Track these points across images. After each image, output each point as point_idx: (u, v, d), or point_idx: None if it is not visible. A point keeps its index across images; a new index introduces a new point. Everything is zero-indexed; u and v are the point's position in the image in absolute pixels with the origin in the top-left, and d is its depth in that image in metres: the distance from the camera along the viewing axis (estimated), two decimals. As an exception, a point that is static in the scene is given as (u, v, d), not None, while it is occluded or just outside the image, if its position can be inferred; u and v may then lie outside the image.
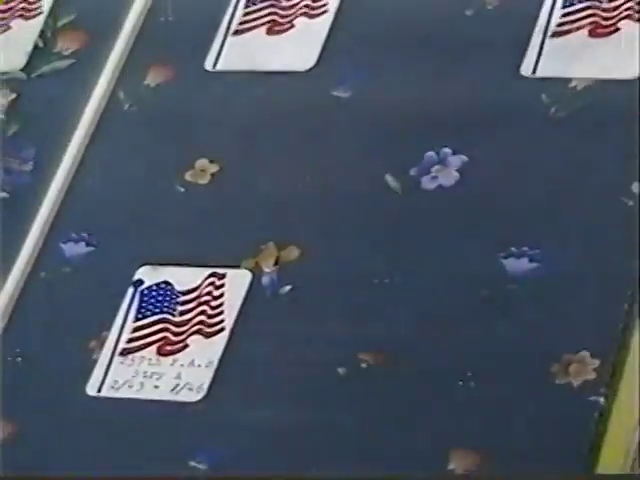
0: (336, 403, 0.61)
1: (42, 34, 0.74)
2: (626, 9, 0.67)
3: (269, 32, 0.71)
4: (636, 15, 0.67)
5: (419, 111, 0.68)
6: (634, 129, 0.64)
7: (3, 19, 0.75)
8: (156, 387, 0.64)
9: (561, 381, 0.59)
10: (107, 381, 0.65)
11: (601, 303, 0.61)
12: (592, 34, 0.67)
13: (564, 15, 0.68)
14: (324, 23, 0.71)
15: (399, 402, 0.61)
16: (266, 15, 0.72)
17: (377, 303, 0.64)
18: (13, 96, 0.73)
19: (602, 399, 0.58)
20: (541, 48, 0.67)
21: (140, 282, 0.66)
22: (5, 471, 0.64)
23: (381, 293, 0.64)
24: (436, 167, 0.65)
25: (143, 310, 0.66)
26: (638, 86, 0.66)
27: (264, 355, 0.64)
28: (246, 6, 0.72)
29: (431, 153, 0.65)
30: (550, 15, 0.68)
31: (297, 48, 0.71)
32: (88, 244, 0.68)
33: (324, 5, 0.71)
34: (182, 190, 0.68)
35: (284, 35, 0.71)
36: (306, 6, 0.71)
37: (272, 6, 0.72)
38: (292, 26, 0.71)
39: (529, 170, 0.65)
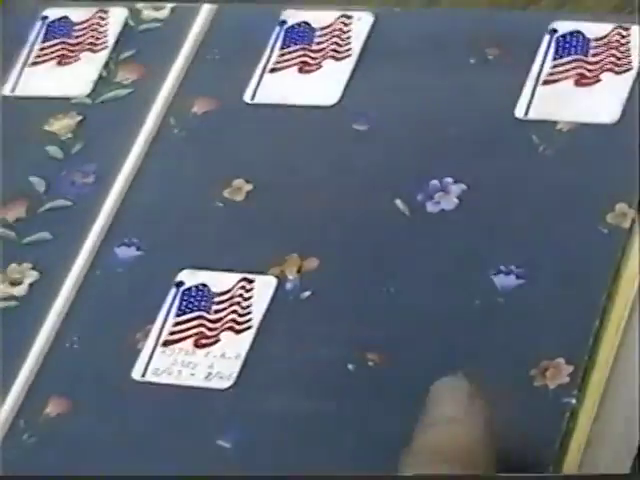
0: (345, 395, 0.62)
1: (106, 65, 0.75)
2: (607, 63, 0.67)
3: (300, 71, 0.71)
4: (616, 68, 0.67)
5: (425, 145, 0.68)
6: (614, 165, 0.65)
7: (74, 51, 0.75)
8: (192, 375, 0.64)
9: (539, 384, 0.59)
10: (150, 368, 0.65)
11: (576, 317, 0.61)
12: (577, 84, 0.67)
13: (554, 66, 0.68)
14: (348, 65, 0.71)
15: (398, 396, 0.61)
16: (298, 57, 0.72)
17: (383, 309, 0.64)
18: (79, 118, 0.74)
19: (574, 400, 0.59)
20: (533, 94, 0.67)
21: (181, 283, 0.66)
22: (58, 441, 0.65)
23: (387, 300, 0.64)
24: (439, 194, 0.65)
25: (183, 308, 0.66)
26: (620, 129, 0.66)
27: (285, 351, 0.64)
28: (282, 48, 0.72)
29: (435, 181, 0.66)
30: (542, 66, 0.68)
31: (324, 86, 0.71)
32: (138, 248, 0.68)
33: (348, 50, 0.71)
34: (221, 205, 0.68)
35: (313, 74, 0.71)
36: (333, 50, 0.71)
37: (304, 49, 0.72)
38: (320, 67, 0.71)
39: (519, 199, 0.65)
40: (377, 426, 0.61)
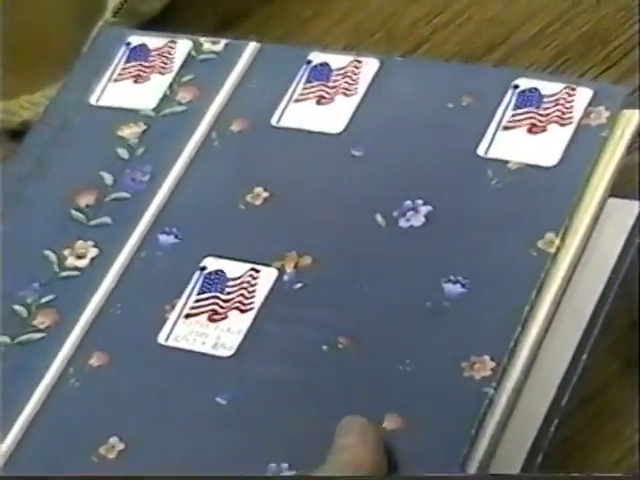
0: (319, 369, 0.62)
1: (170, 86, 0.74)
2: (554, 116, 0.67)
3: (317, 103, 0.71)
4: (560, 121, 0.66)
5: (404, 172, 0.68)
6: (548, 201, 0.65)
7: (147, 72, 0.75)
8: (203, 343, 0.64)
9: (467, 374, 0.59)
10: (172, 335, 0.65)
11: (503, 323, 0.61)
12: (529, 131, 0.66)
13: (513, 115, 0.67)
14: (354, 101, 0.70)
15: (360, 372, 0.61)
16: (317, 91, 0.71)
17: (357, 303, 0.64)
18: (144, 127, 0.73)
19: (492, 390, 0.59)
20: (493, 137, 0.67)
21: (204, 268, 0.66)
22: (97, 387, 0.65)
23: (360, 296, 0.64)
24: (410, 212, 0.65)
25: (203, 288, 0.66)
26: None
27: (277, 330, 0.64)
28: (305, 82, 0.72)
29: (408, 202, 0.65)
30: (504, 114, 0.67)
31: (334, 117, 0.70)
32: (176, 237, 0.68)
33: (356, 89, 0.71)
34: (243, 207, 0.68)
35: (327, 106, 0.70)
36: (344, 88, 0.71)
37: (322, 85, 0.71)
38: (333, 100, 0.70)
39: (472, 222, 0.65)
40: (340, 395, 0.61)
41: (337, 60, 0.72)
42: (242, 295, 0.65)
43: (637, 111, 0.67)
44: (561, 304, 0.64)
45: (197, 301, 0.66)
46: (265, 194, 0.68)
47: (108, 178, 0.72)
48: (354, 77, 0.71)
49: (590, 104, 0.66)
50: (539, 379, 0.63)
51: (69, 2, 0.86)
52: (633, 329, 0.66)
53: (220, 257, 0.67)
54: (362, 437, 0.58)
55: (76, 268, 0.69)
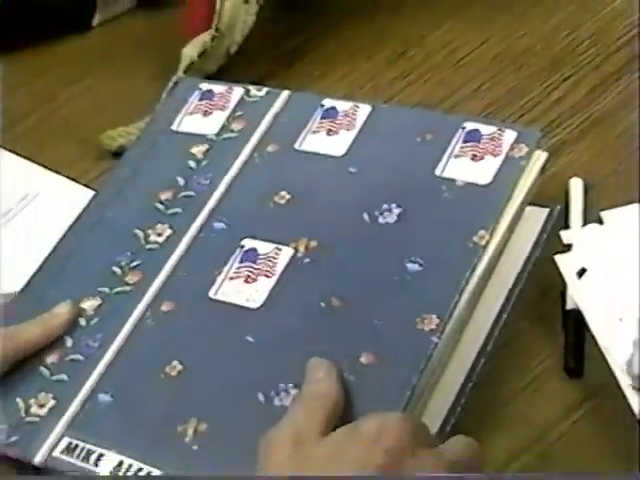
0: (318, 321, 0.63)
1: (227, 119, 0.74)
2: (489, 149, 0.67)
3: (327, 134, 0.70)
4: (493, 153, 0.66)
5: (384, 184, 0.68)
6: (482, 207, 0.65)
7: (212, 109, 0.75)
8: (239, 297, 0.64)
9: (419, 327, 0.60)
10: (219, 291, 0.65)
11: (447, 292, 0.62)
12: (472, 159, 0.66)
13: (460, 147, 0.67)
14: (352, 134, 0.70)
15: (346, 325, 0.63)
16: (327, 126, 0.71)
17: (346, 274, 0.64)
18: (208, 147, 0.73)
19: (437, 339, 0.59)
20: (447, 162, 0.66)
21: (243, 246, 0.66)
22: (166, 328, 0.65)
23: (349, 270, 0.64)
24: (386, 212, 0.65)
25: (242, 260, 0.66)
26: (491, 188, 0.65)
27: (290, 290, 0.64)
28: (320, 120, 0.71)
29: (386, 205, 0.65)
30: (454, 146, 0.67)
31: (338, 145, 0.70)
32: (226, 224, 0.68)
33: (354, 125, 0.71)
34: (271, 205, 0.68)
35: (334, 137, 0.70)
36: (347, 124, 0.71)
37: (331, 122, 0.71)
38: (338, 133, 0.70)
39: (429, 221, 0.65)
40: (332, 337, 0.62)
41: (342, 105, 0.72)
42: (268, 266, 0.65)
43: (544, 153, 0.67)
44: (489, 280, 0.65)
45: (237, 269, 0.66)
46: (288, 196, 0.69)
47: (181, 181, 0.72)
48: (353, 117, 0.71)
49: (514, 142, 0.67)
50: (472, 331, 0.64)
51: (152, 66, 0.87)
52: (542, 296, 0.67)
53: (254, 239, 0.67)
54: (328, 373, 0.58)
55: (156, 242, 0.69)
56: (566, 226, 0.68)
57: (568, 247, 0.66)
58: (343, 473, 0.49)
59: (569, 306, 0.65)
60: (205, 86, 0.77)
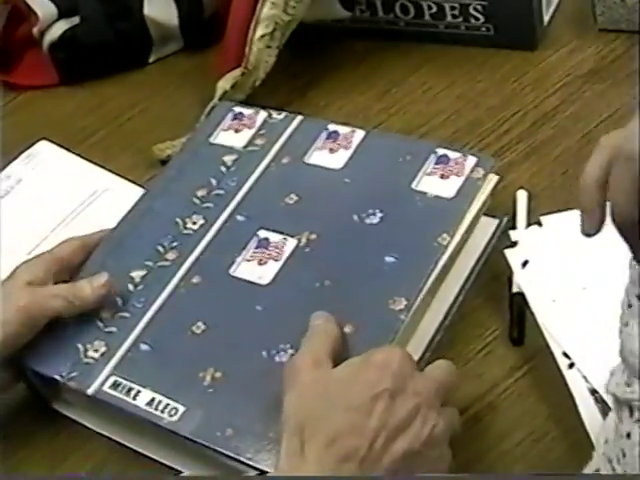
0: (313, 296, 0.60)
1: (253, 136, 0.71)
2: (453, 174, 0.64)
3: (329, 152, 0.68)
4: (457, 173, 0.63)
5: (371, 192, 0.65)
6: (445, 215, 0.62)
7: (242, 128, 0.72)
8: (252, 275, 0.62)
9: (390, 307, 0.57)
10: (237, 270, 0.63)
11: (414, 280, 0.59)
12: (441, 177, 0.63)
13: (432, 168, 0.64)
14: (349, 153, 0.67)
15: (335, 301, 0.59)
16: (330, 145, 0.68)
17: (337, 262, 0.62)
18: (236, 156, 0.71)
19: (404, 316, 0.57)
20: (421, 179, 0.64)
21: (258, 236, 0.64)
22: (195, 299, 0.63)
23: (341, 258, 0.62)
24: (372, 215, 0.62)
25: (256, 246, 0.63)
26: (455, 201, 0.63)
27: (293, 272, 0.61)
28: (324, 140, 0.69)
29: (371, 210, 0.63)
30: (427, 166, 0.64)
31: (337, 160, 0.67)
32: (245, 217, 0.66)
33: (351, 145, 0.68)
34: (282, 205, 0.66)
35: (334, 154, 0.68)
36: (345, 145, 0.68)
37: (333, 142, 0.68)
38: (338, 151, 0.68)
39: (404, 223, 0.63)
40: (330, 302, 0.59)
41: (342, 129, 0.70)
42: (277, 252, 0.63)
43: (496, 176, 0.65)
44: (449, 272, 0.63)
45: (253, 253, 0.64)
46: (296, 198, 0.66)
47: (214, 182, 0.69)
48: (350, 139, 0.69)
49: (474, 166, 0.64)
50: (434, 310, 0.62)
51: (194, 95, 0.84)
52: (494, 281, 0.65)
53: (267, 230, 0.65)
54: (328, 319, 0.57)
55: (191, 229, 0.67)
56: (513, 227, 0.67)
57: (515, 243, 0.65)
58: (358, 394, 0.49)
59: (514, 289, 0.63)
60: (237, 109, 0.75)
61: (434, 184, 0.64)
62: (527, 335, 0.61)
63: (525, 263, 0.63)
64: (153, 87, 0.89)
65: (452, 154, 0.65)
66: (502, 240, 0.66)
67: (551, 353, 0.58)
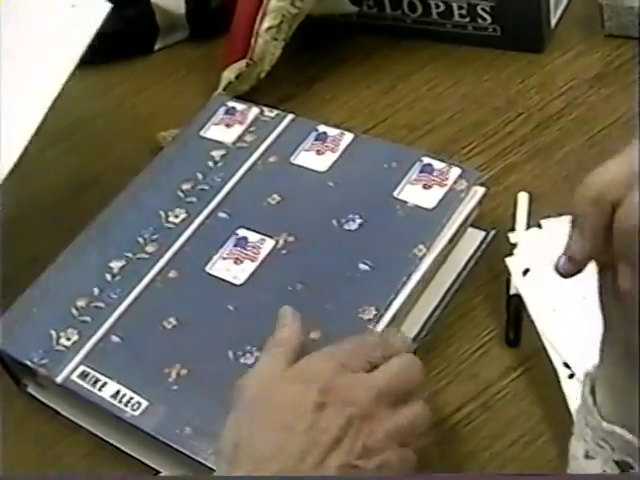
0: (286, 299, 0.59)
1: (242, 132, 0.71)
2: (436, 180, 0.63)
3: (317, 154, 0.68)
4: (440, 183, 0.63)
5: (351, 196, 0.65)
6: (424, 227, 0.61)
7: (233, 122, 0.72)
8: (228, 274, 0.62)
9: (360, 316, 0.57)
10: (213, 267, 0.63)
11: (386, 290, 0.59)
12: (423, 187, 0.63)
13: (416, 177, 0.64)
14: (335, 156, 0.67)
15: (307, 306, 0.58)
16: (317, 147, 0.68)
17: (313, 265, 0.62)
18: (225, 152, 0.71)
19: (371, 326, 0.57)
20: (404, 187, 0.63)
21: (237, 234, 0.64)
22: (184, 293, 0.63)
23: (316, 262, 0.62)
24: (350, 221, 0.62)
25: (235, 244, 0.64)
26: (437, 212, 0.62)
27: (268, 273, 0.61)
28: (313, 141, 0.68)
29: (351, 215, 0.62)
30: (411, 175, 0.64)
31: (323, 162, 0.67)
32: (227, 215, 0.66)
33: (338, 148, 0.68)
34: (265, 204, 0.66)
35: (322, 156, 0.67)
36: (332, 147, 0.68)
37: (321, 144, 0.68)
38: (324, 154, 0.67)
39: (385, 229, 0.62)
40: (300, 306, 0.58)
41: (331, 131, 0.69)
42: (253, 252, 0.63)
43: (482, 188, 0.65)
44: (429, 283, 0.63)
45: (230, 251, 0.64)
46: (278, 198, 0.66)
47: (200, 176, 0.69)
48: (338, 142, 0.68)
49: (458, 177, 0.64)
50: (413, 320, 0.62)
51: (199, 84, 0.85)
52: (493, 280, 0.64)
53: (247, 229, 0.65)
54: (293, 320, 0.55)
55: (173, 223, 0.67)
56: (513, 229, 0.66)
57: (514, 245, 0.65)
58: (283, 412, 0.46)
59: (512, 291, 0.63)
60: (230, 103, 0.75)
61: (416, 193, 0.64)
62: (523, 336, 0.61)
63: (526, 271, 0.62)
64: (158, 75, 0.89)
65: (437, 164, 0.65)
66: (502, 242, 0.65)
67: (549, 360, 0.58)
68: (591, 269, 0.58)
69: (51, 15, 0.60)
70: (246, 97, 0.79)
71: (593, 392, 0.44)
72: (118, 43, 0.90)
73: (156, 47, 0.92)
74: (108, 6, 0.57)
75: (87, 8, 0.59)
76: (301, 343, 0.53)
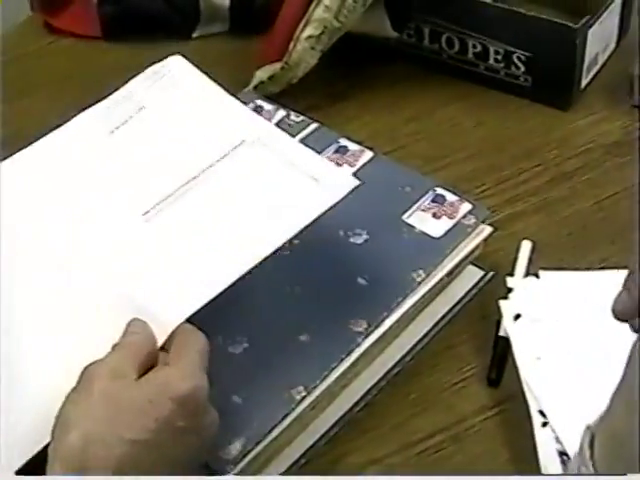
0: (283, 299, 0.62)
1: None
2: (447, 211, 0.65)
3: (336, 165, 0.69)
4: (450, 215, 0.65)
5: (358, 212, 0.65)
6: (429, 255, 0.63)
7: None
8: None
9: (350, 327, 0.59)
10: None
11: (379, 306, 0.60)
12: (433, 216, 0.65)
13: (428, 205, 0.65)
14: (352, 170, 0.69)
15: (302, 309, 0.61)
16: (337, 159, 0.69)
17: (313, 271, 0.63)
18: None
19: (362, 338, 0.58)
20: (413, 212, 0.65)
21: None
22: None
23: (317, 269, 0.63)
24: (357, 235, 0.64)
25: None
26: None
27: (267, 270, 0.58)
28: (333, 153, 0.70)
29: (358, 230, 0.64)
30: (423, 203, 0.65)
31: (344, 173, 0.66)
32: None
33: (357, 163, 0.69)
34: None
35: (341, 168, 0.69)
36: (351, 161, 0.69)
37: (341, 156, 0.69)
38: (342, 166, 0.69)
39: (390, 251, 0.64)
40: (288, 317, 0.60)
41: (352, 146, 0.71)
42: None
43: (489, 227, 0.67)
44: (422, 311, 0.64)
45: None
46: None
47: None
48: (357, 157, 0.70)
49: (468, 212, 0.66)
50: (400, 343, 0.63)
51: (230, 78, 0.84)
52: (482, 319, 0.66)
53: None
54: (144, 329, 0.52)
55: None
56: (511, 274, 0.68)
57: (510, 290, 0.67)
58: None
59: (501, 333, 0.65)
60: (259, 101, 0.75)
61: (425, 221, 0.65)
62: (504, 378, 0.63)
63: (517, 316, 0.64)
64: (191, 62, 0.86)
65: (450, 196, 0.66)
66: (499, 285, 0.67)
67: (526, 405, 0.59)
68: (580, 326, 0.62)
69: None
70: (273, 99, 0.79)
71: (592, 445, 0.45)
72: (157, 24, 0.92)
73: (194, 35, 0.94)
74: (354, 183, 0.58)
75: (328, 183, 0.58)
76: (154, 349, 0.52)
